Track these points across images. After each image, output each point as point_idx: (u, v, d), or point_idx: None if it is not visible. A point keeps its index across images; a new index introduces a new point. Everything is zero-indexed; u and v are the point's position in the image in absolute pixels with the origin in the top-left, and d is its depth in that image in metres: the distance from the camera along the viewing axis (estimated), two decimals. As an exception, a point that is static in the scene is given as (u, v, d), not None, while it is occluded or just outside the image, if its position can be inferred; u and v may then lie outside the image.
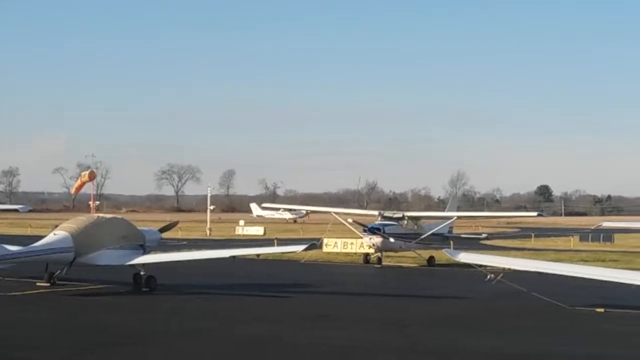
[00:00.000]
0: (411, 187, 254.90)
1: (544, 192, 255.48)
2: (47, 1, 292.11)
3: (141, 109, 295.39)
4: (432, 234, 55.57)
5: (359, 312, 29.79)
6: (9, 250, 33.57)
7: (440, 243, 55.10)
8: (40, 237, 36.13)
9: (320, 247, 55.94)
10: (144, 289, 34.46)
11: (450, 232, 59.59)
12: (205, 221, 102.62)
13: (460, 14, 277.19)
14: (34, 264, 34.64)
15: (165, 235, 41.26)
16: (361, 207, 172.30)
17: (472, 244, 64.65)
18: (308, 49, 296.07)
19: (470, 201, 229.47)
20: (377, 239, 52.96)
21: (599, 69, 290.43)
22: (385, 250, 53.98)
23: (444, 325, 26.77)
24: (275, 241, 65.87)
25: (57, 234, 34.85)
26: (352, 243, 58.01)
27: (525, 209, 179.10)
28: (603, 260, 55.51)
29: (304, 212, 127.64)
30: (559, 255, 60.93)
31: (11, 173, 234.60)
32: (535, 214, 71.22)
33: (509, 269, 33.48)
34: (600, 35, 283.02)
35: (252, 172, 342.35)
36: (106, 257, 35.00)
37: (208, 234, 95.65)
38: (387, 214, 56.73)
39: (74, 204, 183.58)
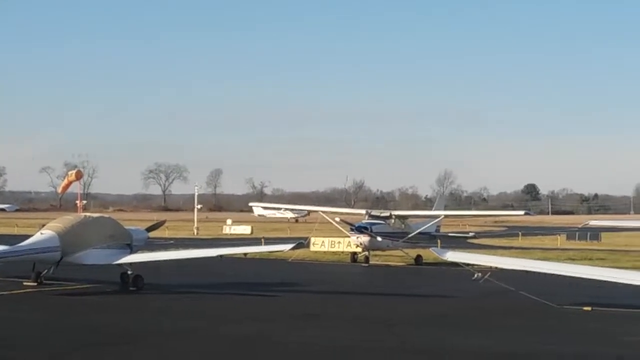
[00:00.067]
0: (398, 186, 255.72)
1: (531, 190, 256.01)
2: (47, 1, 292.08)
3: (141, 109, 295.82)
4: (420, 233, 55.61)
5: (346, 311, 29.77)
6: (-4, 250, 33.51)
7: (428, 242, 55.19)
8: (27, 237, 36.06)
9: (308, 246, 55.92)
10: (131, 288, 34.41)
11: (437, 231, 59.64)
12: (193, 220, 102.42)
13: (460, 14, 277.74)
14: (21, 264, 34.54)
15: (152, 234, 41.20)
16: (348, 206, 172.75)
17: (460, 242, 64.76)
18: (308, 49, 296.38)
19: (457, 200, 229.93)
20: (364, 238, 52.96)
21: (599, 69, 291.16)
22: (373, 249, 53.97)
23: (431, 324, 26.80)
24: (262, 240, 65.82)
25: (44, 233, 34.77)
26: (339, 242, 58.00)
27: (512, 208, 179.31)
28: (590, 259, 55.68)
29: (306, 211, 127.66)
30: (546, 253, 61.02)
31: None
32: (522, 212, 71.24)
33: (497, 267, 33.56)
34: (600, 35, 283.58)
35: (239, 171, 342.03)
36: (93, 256, 34.94)
37: (195, 233, 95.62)
38: (375, 212, 56.77)
39: (61, 203, 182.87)
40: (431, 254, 40.80)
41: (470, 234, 72.42)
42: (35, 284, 34.62)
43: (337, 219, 59.31)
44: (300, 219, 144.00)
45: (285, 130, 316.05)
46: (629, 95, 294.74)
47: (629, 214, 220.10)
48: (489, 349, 22.16)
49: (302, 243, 39.38)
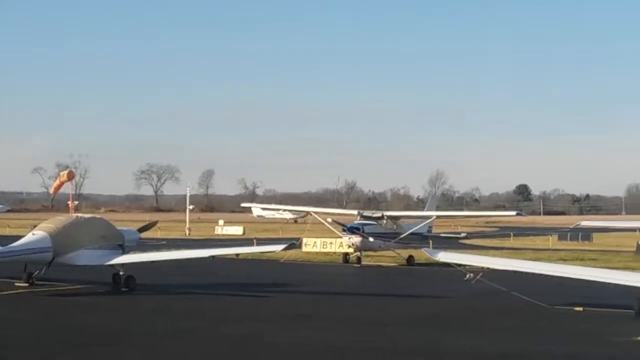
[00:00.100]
0: (390, 187, 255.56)
1: (522, 191, 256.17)
2: (47, 1, 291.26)
3: (141, 109, 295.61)
4: (411, 234, 55.65)
5: (338, 311, 29.80)
6: (-12, 251, 33.45)
7: (420, 242, 55.22)
8: (19, 237, 35.99)
9: (300, 246, 55.95)
10: (123, 289, 34.39)
11: (429, 231, 59.69)
12: (185, 221, 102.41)
13: (460, 14, 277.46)
14: (12, 264, 34.45)
15: (144, 235, 41.13)
16: (340, 206, 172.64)
17: (451, 243, 64.83)
18: (308, 49, 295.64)
19: (449, 200, 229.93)
20: (356, 239, 52.98)
21: (596, 69, 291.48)
22: (365, 250, 54.01)
23: (423, 325, 26.83)
24: (254, 241, 65.79)
25: (35, 234, 34.73)
26: (331, 242, 58.09)
27: (504, 208, 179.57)
28: (582, 259, 55.75)
29: (304, 212, 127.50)
30: (537, 254, 61.13)
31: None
32: (514, 213, 71.41)
33: (488, 268, 33.61)
34: (601, 35, 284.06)
35: (231, 171, 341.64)
36: (85, 257, 34.90)
37: (187, 234, 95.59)
38: (367, 213, 56.81)
39: (52, 203, 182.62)
40: (423, 254, 40.86)
41: (462, 235, 72.60)
42: (27, 284, 34.59)
43: (329, 220, 59.35)
44: (299, 220, 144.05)
45: (284, 131, 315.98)
46: (621, 96, 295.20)
47: (621, 214, 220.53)
48: (481, 349, 22.18)
49: (294, 244, 39.40)
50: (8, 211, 63.44)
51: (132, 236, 38.16)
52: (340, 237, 55.36)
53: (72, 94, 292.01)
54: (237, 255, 40.91)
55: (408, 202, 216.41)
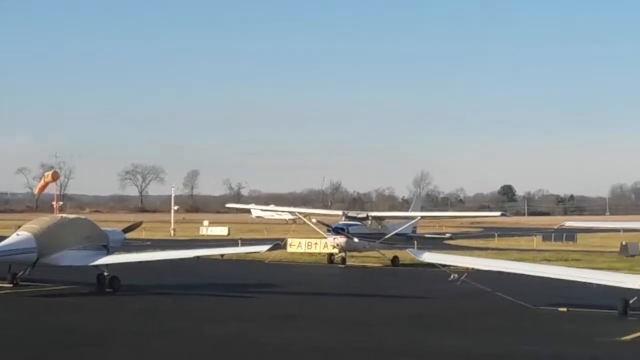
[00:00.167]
0: (375, 187, 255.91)
1: (507, 192, 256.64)
2: (47, 1, 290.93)
3: (141, 109, 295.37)
4: (396, 234, 55.68)
5: (323, 312, 29.84)
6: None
7: (404, 243, 55.26)
8: (3, 238, 35.81)
9: (285, 247, 55.99)
10: (107, 290, 34.33)
11: (414, 232, 59.78)
12: (170, 221, 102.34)
13: (460, 14, 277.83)
14: (-4, 265, 34.41)
15: (129, 235, 41.05)
16: (325, 207, 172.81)
17: (436, 243, 64.83)
18: (308, 49, 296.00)
19: (434, 201, 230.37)
20: (341, 239, 53.02)
21: (598, 69, 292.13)
22: (349, 250, 54.07)
23: (408, 325, 26.90)
24: (239, 241, 65.76)
25: (19, 234, 34.63)
26: (316, 243, 58.17)
27: (489, 209, 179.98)
28: (566, 260, 55.97)
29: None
30: (522, 254, 61.35)
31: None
32: (498, 213, 71.50)
33: (473, 268, 33.71)
34: (601, 35, 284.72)
35: (216, 172, 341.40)
36: (69, 257, 34.83)
37: (172, 234, 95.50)
38: (351, 214, 56.85)
39: (37, 204, 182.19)
40: (408, 255, 40.96)
41: (447, 235, 72.67)
42: (11, 285, 34.54)
43: (314, 220, 59.39)
44: (298, 221, 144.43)
45: (284, 131, 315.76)
46: (605, 98, 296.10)
47: (605, 215, 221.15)
48: (466, 349, 22.24)
49: (279, 244, 39.41)
50: (-8, 212, 63.43)
51: (116, 237, 38.10)
52: (325, 238, 55.41)
53: (72, 94, 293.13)
54: (222, 255, 40.95)
55: (393, 202, 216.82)
